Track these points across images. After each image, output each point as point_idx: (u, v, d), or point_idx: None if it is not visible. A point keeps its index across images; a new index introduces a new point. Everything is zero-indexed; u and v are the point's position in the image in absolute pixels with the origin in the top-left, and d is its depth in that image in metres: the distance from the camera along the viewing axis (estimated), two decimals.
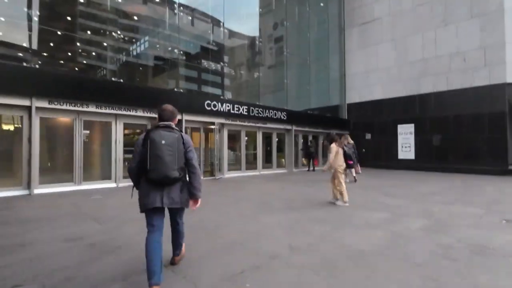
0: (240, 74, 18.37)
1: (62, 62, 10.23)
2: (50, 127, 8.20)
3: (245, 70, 18.25)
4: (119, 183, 9.17)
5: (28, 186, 7.57)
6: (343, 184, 6.04)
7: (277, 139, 14.93)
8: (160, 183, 2.58)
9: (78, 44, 10.16)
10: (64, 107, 8.00)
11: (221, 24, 14.35)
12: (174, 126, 2.76)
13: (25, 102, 7.42)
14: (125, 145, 9.43)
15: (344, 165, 6.18)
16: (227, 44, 15.14)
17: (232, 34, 15.64)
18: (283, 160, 15.37)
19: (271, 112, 13.78)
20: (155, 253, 2.53)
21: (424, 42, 15.21)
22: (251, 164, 13.83)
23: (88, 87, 8.33)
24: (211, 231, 4.33)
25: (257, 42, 16.78)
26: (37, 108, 7.66)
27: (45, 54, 9.48)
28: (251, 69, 18.09)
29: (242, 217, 5.18)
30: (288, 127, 14.92)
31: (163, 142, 2.55)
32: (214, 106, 11.41)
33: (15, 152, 7.60)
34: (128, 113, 9.23)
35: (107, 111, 8.80)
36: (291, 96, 17.13)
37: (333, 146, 6.05)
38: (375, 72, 17.30)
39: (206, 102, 11.16)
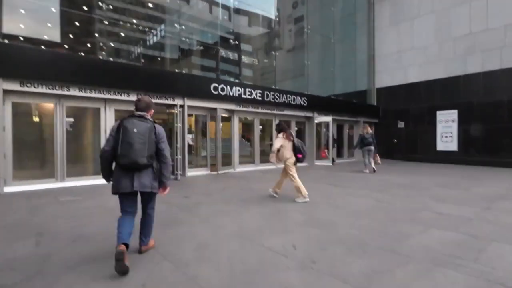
0: (255, 60, 16.74)
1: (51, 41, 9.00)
2: (24, 114, 7.00)
3: (261, 55, 16.58)
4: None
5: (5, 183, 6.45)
6: (297, 178, 5.57)
7: (296, 128, 13.21)
8: (130, 168, 2.73)
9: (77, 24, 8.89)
10: (39, 89, 6.75)
11: (235, 4, 12.72)
12: (148, 116, 2.92)
13: None
14: None
15: (293, 158, 5.56)
16: (242, 27, 13.53)
17: (247, 15, 13.99)
18: None
19: (289, 97, 12.05)
20: (124, 226, 2.73)
21: (472, 13, 12.78)
22: (266, 156, 12.26)
23: (69, 66, 7.01)
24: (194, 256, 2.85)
25: (274, 24, 14.97)
26: (5, 91, 6.46)
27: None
28: (267, 54, 16.41)
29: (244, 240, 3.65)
30: (309, 114, 13.15)
31: (135, 130, 2.71)
32: (222, 90, 9.87)
33: None
34: (120, 97, 7.88)
35: (94, 95, 7.48)
36: (312, 82, 15.29)
37: (279, 137, 5.54)
38: (409, 51, 15.00)
39: (212, 86, 9.64)
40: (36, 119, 7.15)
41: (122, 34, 10.22)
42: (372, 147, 9.92)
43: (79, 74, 7.13)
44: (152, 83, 8.32)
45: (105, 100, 7.88)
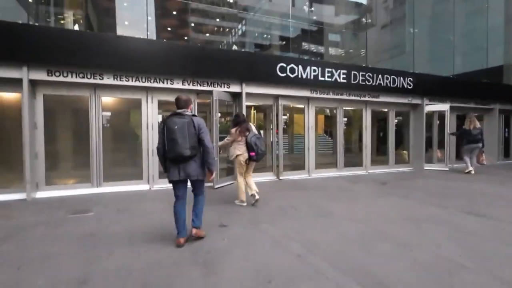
0: (342, 38, 13.77)
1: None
2: (56, 109, 6.11)
3: (350, 31, 13.52)
4: (153, 184, 6.56)
5: (37, 187, 5.68)
6: (240, 180, 5.13)
7: (396, 121, 9.83)
8: (176, 160, 3.12)
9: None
10: (69, 79, 5.70)
11: None
12: (187, 112, 3.22)
13: (14, 74, 5.37)
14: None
15: (245, 155, 4.93)
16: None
17: None
18: (404, 152, 10.19)
19: (387, 79, 8.83)
20: (180, 215, 3.22)
21: None
22: (353, 158, 9.38)
23: (101, 48, 5.80)
24: None
25: None
26: (33, 82, 5.60)
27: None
28: (357, 30, 13.27)
29: None
30: (416, 101, 9.58)
31: (175, 127, 3.07)
32: (292, 71, 7.51)
33: (13, 144, 5.75)
34: (162, 85, 6.39)
35: (133, 83, 6.15)
36: (418, 61, 11.51)
37: (232, 131, 5.00)
38: None
39: (279, 66, 7.36)
40: (68, 114, 6.23)
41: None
42: (480, 145, 8.51)
43: (113, 57, 5.85)
44: (201, 66, 6.58)
45: (147, 90, 6.51)
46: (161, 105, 6.80)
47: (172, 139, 3.04)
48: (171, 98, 6.64)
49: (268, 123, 9.28)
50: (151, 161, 6.55)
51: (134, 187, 6.36)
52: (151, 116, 6.56)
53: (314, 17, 12.67)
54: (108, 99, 6.32)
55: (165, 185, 6.55)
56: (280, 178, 7.82)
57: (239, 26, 11.97)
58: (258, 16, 11.98)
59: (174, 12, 10.43)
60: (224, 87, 6.93)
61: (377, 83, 8.65)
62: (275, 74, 7.31)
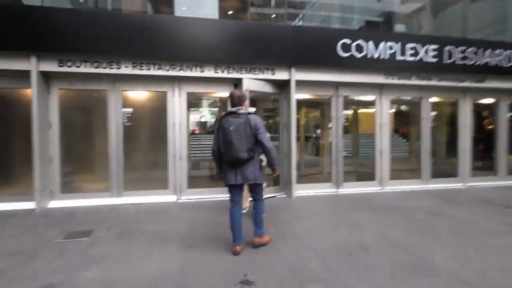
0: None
1: None
2: (70, 106, 5.27)
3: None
4: (181, 195, 5.39)
5: (51, 195, 4.97)
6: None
7: (509, 115, 7.11)
8: (233, 163, 2.94)
9: None
10: (83, 69, 4.80)
11: None
12: (242, 110, 2.98)
13: (22, 65, 4.64)
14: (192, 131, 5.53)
15: None
16: None
17: None
18: None
19: (499, 55, 6.28)
20: (236, 221, 3.04)
21: None
22: (443, 165, 7.00)
23: (116, 31, 4.78)
24: None
25: None
26: (45, 74, 4.83)
27: None
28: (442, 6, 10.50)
29: None
30: None
31: (231, 128, 2.85)
32: (359, 49, 5.61)
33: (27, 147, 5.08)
34: (191, 73, 5.15)
35: (156, 71, 5.03)
36: None
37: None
38: None
39: (341, 43, 5.54)
40: (86, 111, 5.38)
41: None
42: None
43: (130, 41, 4.80)
44: (237, 47, 5.17)
45: (173, 81, 5.34)
46: (190, 96, 5.58)
47: (228, 141, 2.86)
48: (202, 89, 5.40)
49: (325, 120, 7.49)
50: (178, 167, 5.38)
51: (158, 198, 5.26)
52: (178, 112, 5.38)
53: None
54: (129, 94, 5.32)
55: (196, 196, 5.37)
56: (340, 191, 6.00)
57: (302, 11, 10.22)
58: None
59: None
60: (267, 73, 5.41)
61: (483, 61, 6.19)
62: (335, 54, 5.52)
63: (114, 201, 5.12)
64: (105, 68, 4.87)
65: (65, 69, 4.76)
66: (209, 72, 5.19)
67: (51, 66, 4.73)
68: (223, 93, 5.65)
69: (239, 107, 2.99)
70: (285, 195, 5.66)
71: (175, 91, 5.37)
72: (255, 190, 3.18)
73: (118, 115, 5.19)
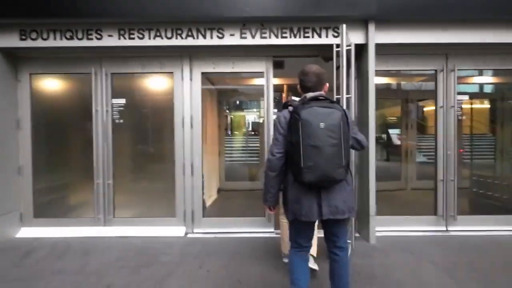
0: None
1: None
2: (46, 97, 3.80)
3: None
4: (193, 227, 3.62)
5: (21, 220, 3.64)
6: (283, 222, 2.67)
7: None
8: (316, 185, 1.70)
9: None
10: (52, 42, 3.32)
11: None
12: (322, 94, 1.83)
13: None
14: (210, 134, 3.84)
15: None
16: None
17: None
18: None
19: None
20: (303, 272, 1.88)
21: None
22: None
23: None
24: None
25: None
26: (3, 51, 3.46)
27: None
28: None
29: None
30: None
31: (321, 125, 1.62)
32: None
33: None
34: (211, 41, 3.30)
35: (153, 41, 3.31)
36: None
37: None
38: None
39: None
40: (66, 105, 3.87)
41: None
42: None
43: None
44: None
45: (181, 55, 3.57)
46: (209, 81, 3.76)
47: (316, 147, 1.61)
48: (223, 67, 3.53)
49: (408, 113, 5.07)
50: (189, 184, 3.62)
51: (160, 230, 3.57)
52: (189, 102, 3.60)
53: None
54: (122, 79, 3.72)
55: (216, 228, 3.56)
56: (453, 229, 3.60)
57: None
58: None
59: None
60: (326, 34, 3.29)
61: None
62: None
63: (100, 231, 3.57)
64: (81, 39, 3.31)
65: (29, 43, 3.32)
66: (232, 38, 3.29)
67: (11, 40, 3.32)
68: (256, 78, 3.72)
69: (321, 93, 1.83)
70: (357, 235, 3.50)
71: (185, 71, 3.59)
72: (341, 230, 1.89)
73: (107, 109, 3.62)
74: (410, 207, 4.74)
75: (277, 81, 5.41)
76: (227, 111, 7.80)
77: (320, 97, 1.76)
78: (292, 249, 1.92)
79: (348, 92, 2.98)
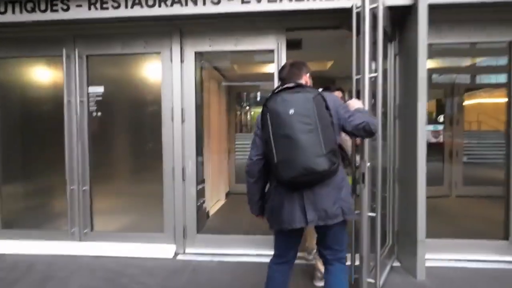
0: None
1: None
2: (10, 87, 3.17)
3: None
4: (185, 245, 2.90)
5: None
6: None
7: None
8: (296, 184, 1.46)
9: None
10: (12, 16, 2.69)
11: None
12: (302, 83, 1.61)
13: None
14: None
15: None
16: None
17: None
18: None
19: None
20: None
21: None
22: None
23: None
24: None
25: None
26: None
27: None
28: None
29: None
30: None
31: (291, 112, 1.41)
32: None
33: None
34: (203, 8, 2.54)
35: (130, 11, 2.59)
36: None
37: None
38: None
39: None
40: (34, 96, 3.21)
41: None
42: None
43: None
44: None
45: (169, 29, 2.82)
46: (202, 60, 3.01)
47: (286, 137, 1.40)
48: (222, 44, 2.73)
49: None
50: (179, 194, 2.89)
51: (144, 249, 2.88)
52: (180, 90, 2.86)
53: None
54: (99, 62, 3.03)
55: (212, 249, 2.82)
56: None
57: None
58: None
59: None
60: None
61: None
62: None
63: (74, 248, 2.93)
64: (44, 11, 2.65)
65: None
66: (231, 4, 2.50)
67: None
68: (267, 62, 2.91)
69: (299, 82, 1.59)
70: (397, 264, 2.63)
71: (174, 50, 2.85)
72: (337, 235, 1.57)
73: (82, 99, 2.95)
74: (461, 221, 3.79)
75: None
76: (241, 103, 7.06)
77: (291, 86, 1.52)
78: (271, 260, 1.71)
79: (375, 70, 2.12)
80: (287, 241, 1.66)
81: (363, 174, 2.03)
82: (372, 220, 2.12)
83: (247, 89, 6.49)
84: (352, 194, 1.63)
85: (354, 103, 1.73)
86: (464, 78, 5.38)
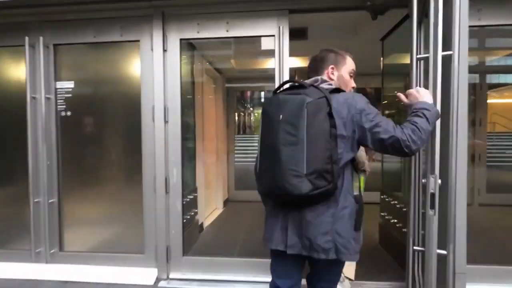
0: None
1: None
2: None
3: None
4: (170, 270, 2.44)
5: None
6: None
7: None
8: (278, 201, 1.31)
9: None
10: None
11: None
12: (324, 84, 1.31)
13: None
14: None
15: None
16: None
17: None
18: None
19: None
20: None
21: None
22: None
23: None
24: None
25: None
26: None
27: None
28: None
29: None
30: None
31: (280, 117, 1.20)
32: None
33: None
34: None
35: None
36: None
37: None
38: None
39: None
40: None
41: None
42: None
43: None
44: None
45: (149, 11, 2.37)
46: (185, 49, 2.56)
47: (271, 147, 1.20)
48: (217, 31, 2.27)
49: None
50: (161, 208, 2.43)
51: (124, 273, 2.43)
52: (161, 84, 2.39)
53: None
54: (69, 53, 2.58)
55: (201, 274, 2.35)
56: None
57: None
58: None
59: None
60: None
61: None
62: None
63: (39, 272, 2.49)
64: None
65: None
66: None
67: None
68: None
69: (318, 78, 1.34)
70: None
71: (156, 38, 2.38)
72: (324, 277, 1.41)
73: (48, 96, 2.51)
74: (493, 236, 3.29)
75: (298, 62, 4.12)
76: (243, 103, 6.59)
77: (301, 84, 1.27)
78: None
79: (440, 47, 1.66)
80: (281, 264, 1.39)
81: (433, 196, 1.56)
82: (442, 259, 1.65)
83: (248, 84, 6.00)
84: (356, 227, 1.28)
85: (422, 94, 1.36)
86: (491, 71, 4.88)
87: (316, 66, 1.42)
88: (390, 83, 3.36)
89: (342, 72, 1.40)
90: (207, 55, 3.89)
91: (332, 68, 1.39)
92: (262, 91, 7.18)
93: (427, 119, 1.24)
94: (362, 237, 1.34)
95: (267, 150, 1.24)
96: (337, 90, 1.29)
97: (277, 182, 1.17)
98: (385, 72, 3.29)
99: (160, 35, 2.37)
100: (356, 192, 1.30)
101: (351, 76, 1.43)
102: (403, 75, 3.12)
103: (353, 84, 1.45)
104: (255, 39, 2.53)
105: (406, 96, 1.45)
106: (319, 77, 1.35)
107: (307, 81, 1.35)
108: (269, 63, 3.95)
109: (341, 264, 1.39)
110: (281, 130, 1.18)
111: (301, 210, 1.23)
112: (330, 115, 1.17)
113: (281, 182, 1.16)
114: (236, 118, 6.23)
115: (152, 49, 2.39)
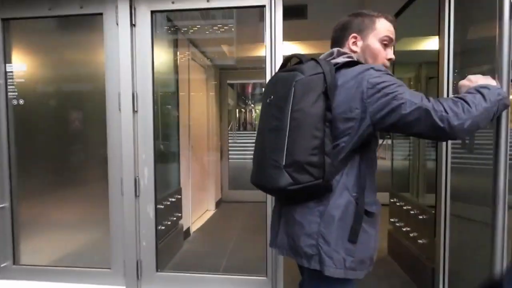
0: None
1: None
2: None
3: None
4: (141, 287, 2.05)
5: None
6: None
7: None
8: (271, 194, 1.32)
9: None
10: None
11: None
12: (340, 57, 1.03)
13: None
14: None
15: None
16: None
17: None
18: None
19: None
20: None
21: None
22: None
23: None
24: None
25: None
26: None
27: None
28: None
29: None
30: None
31: (271, 98, 1.03)
32: None
33: None
34: None
35: None
36: None
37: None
38: None
39: None
40: None
41: None
42: None
43: None
44: None
45: None
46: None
47: (259, 133, 1.08)
48: (193, 1, 1.77)
49: None
50: (131, 215, 2.03)
51: None
52: (128, 66, 1.98)
53: None
54: (23, 31, 2.17)
55: None
56: None
57: None
58: None
59: None
60: None
61: None
62: None
63: None
64: None
65: None
66: None
67: None
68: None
69: (333, 50, 1.06)
70: None
71: (121, 10, 1.97)
72: (312, 284, 1.06)
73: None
74: None
75: (297, 48, 3.70)
76: (241, 96, 6.17)
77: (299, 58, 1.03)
78: None
79: None
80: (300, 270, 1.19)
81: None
82: None
83: (245, 77, 5.58)
84: (351, 237, 0.96)
85: (476, 79, 0.99)
86: None
87: (337, 37, 1.13)
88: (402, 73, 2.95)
89: (369, 40, 1.06)
90: (195, 39, 3.47)
91: (355, 37, 1.08)
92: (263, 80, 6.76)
93: (482, 95, 0.88)
94: (367, 254, 0.99)
95: (257, 136, 1.09)
96: (352, 64, 0.97)
97: (260, 173, 1.03)
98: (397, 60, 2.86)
99: (127, 7, 1.96)
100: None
101: (385, 45, 1.06)
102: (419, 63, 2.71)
103: (390, 55, 1.08)
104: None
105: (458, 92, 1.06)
106: (335, 49, 1.07)
107: (322, 56, 1.08)
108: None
109: (336, 284, 0.98)
110: (268, 114, 1.01)
111: (292, 206, 1.04)
112: (326, 95, 0.90)
113: (263, 173, 1.00)
114: (232, 111, 5.82)
115: (117, 24, 1.98)
